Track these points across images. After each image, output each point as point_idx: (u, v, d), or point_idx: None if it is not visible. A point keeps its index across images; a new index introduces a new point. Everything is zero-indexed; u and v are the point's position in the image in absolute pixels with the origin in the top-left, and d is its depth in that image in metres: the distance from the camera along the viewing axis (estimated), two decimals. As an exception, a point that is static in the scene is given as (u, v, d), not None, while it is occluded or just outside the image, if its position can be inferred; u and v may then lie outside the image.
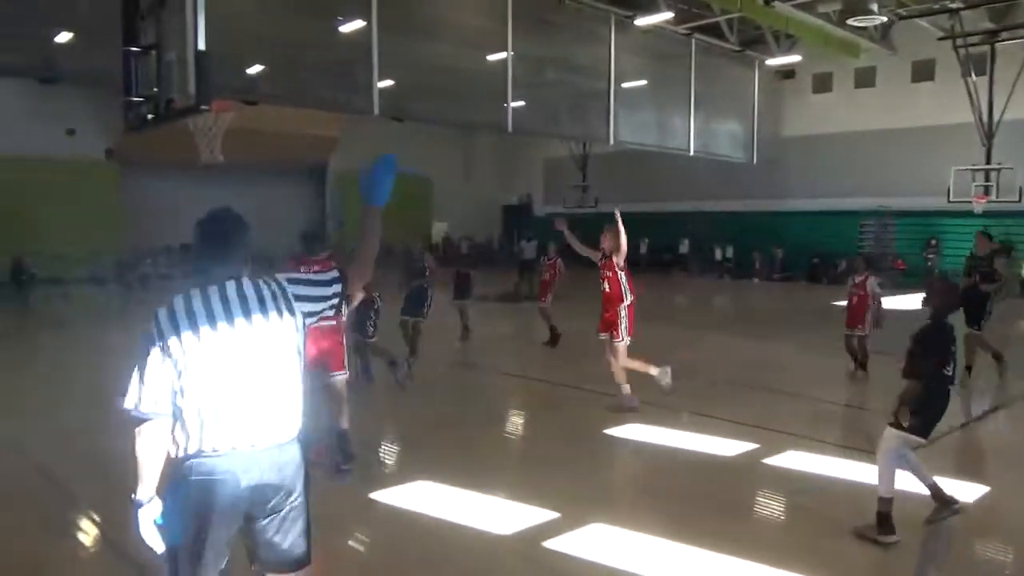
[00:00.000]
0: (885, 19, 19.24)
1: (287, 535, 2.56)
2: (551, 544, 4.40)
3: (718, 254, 27.77)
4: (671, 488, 5.61)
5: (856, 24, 18.70)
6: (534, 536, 4.52)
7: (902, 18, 22.40)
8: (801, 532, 4.73)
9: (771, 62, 24.10)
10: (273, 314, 2.52)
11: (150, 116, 9.09)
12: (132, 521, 2.51)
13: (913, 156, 23.49)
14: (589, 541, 4.45)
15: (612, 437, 6.76)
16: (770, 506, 5.29)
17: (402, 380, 7.98)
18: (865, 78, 24.86)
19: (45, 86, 22.93)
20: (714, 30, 22.41)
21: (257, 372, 2.47)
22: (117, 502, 3.64)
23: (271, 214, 30.87)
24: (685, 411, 7.77)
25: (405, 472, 5.94)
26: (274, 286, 2.57)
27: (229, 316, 2.45)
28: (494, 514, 4.87)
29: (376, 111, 15.22)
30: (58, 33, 12.45)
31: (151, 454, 2.47)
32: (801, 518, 5.00)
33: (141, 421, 2.46)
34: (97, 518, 4.82)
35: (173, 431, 2.46)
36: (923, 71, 23.53)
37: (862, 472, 5.69)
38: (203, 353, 2.41)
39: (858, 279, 9.31)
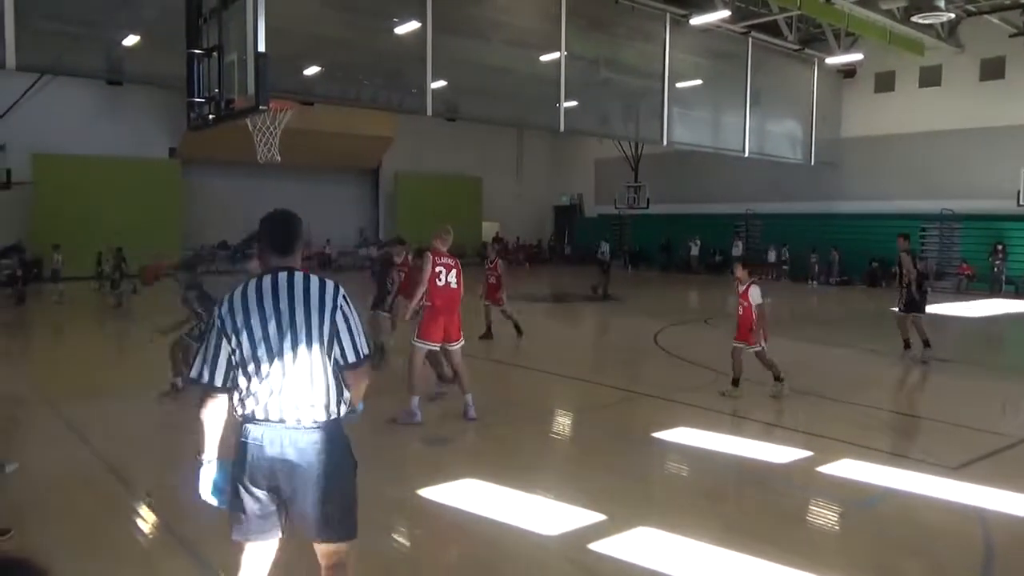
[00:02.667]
0: (952, 16, 18.61)
1: (312, 509, 2.77)
2: (597, 547, 4.37)
3: (771, 256, 27.16)
4: (722, 493, 5.52)
5: (921, 21, 18.12)
6: (580, 538, 4.49)
7: (970, 14, 21.66)
8: (860, 545, 4.59)
9: (831, 61, 23.55)
10: (312, 307, 2.78)
11: (211, 116, 9.34)
12: (195, 479, 2.82)
13: (980, 157, 22.64)
14: (637, 545, 4.40)
15: (660, 440, 6.68)
16: (826, 515, 5.15)
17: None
18: (930, 77, 24.05)
19: (113, 88, 23.83)
20: (772, 28, 22.01)
21: (288, 356, 2.74)
22: (175, 489, 3.76)
23: (326, 212, 31.55)
24: (735, 415, 7.64)
25: (452, 469, 5.98)
26: (323, 284, 2.84)
27: (275, 304, 2.76)
28: (540, 514, 4.86)
29: (429, 111, 15.37)
30: (126, 37, 12.89)
31: (211, 419, 2.81)
32: (860, 530, 4.85)
33: (204, 390, 2.80)
34: (154, 503, 4.97)
35: (231, 400, 2.80)
36: (992, 69, 22.64)
37: (920, 483, 5.51)
38: (249, 334, 2.74)
39: (741, 288, 8.30)
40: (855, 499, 5.31)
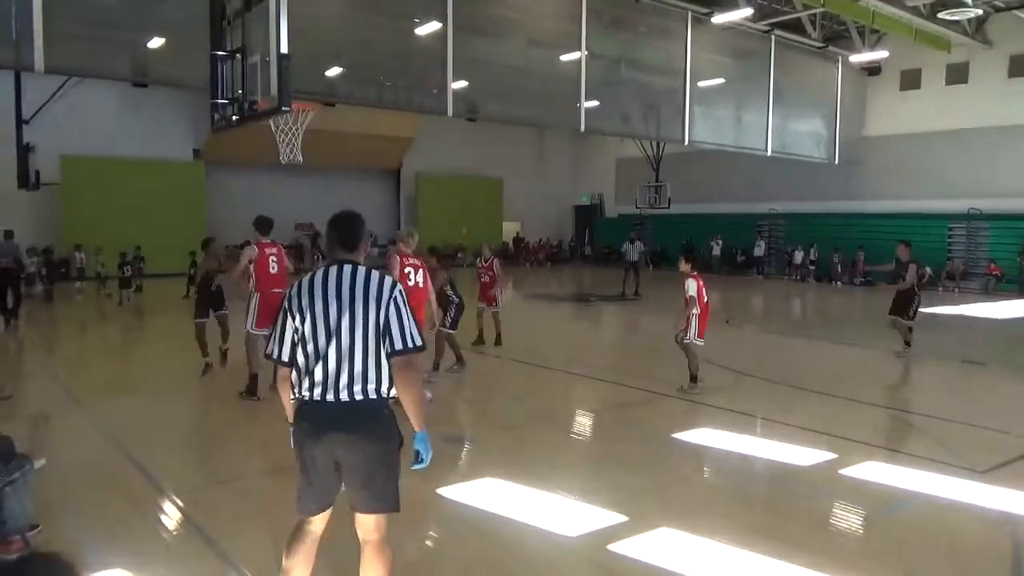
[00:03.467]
0: (980, 12, 18.32)
1: (359, 481, 3.07)
2: (618, 547, 4.35)
3: (798, 257, 26.88)
4: (743, 495, 5.47)
5: (948, 17, 17.86)
6: (600, 538, 4.48)
7: (998, 10, 21.31)
8: (885, 547, 4.53)
9: (855, 58, 23.28)
10: (371, 297, 3.08)
11: (235, 117, 9.44)
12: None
13: (1009, 156, 22.26)
14: (657, 546, 4.38)
15: (681, 441, 6.64)
16: (850, 518, 5.09)
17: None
18: (957, 74, 23.67)
19: (138, 90, 24.14)
20: (795, 26, 21.80)
21: (345, 338, 3.04)
22: (201, 488, 3.79)
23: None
24: (757, 416, 7.58)
25: (473, 469, 5.99)
26: (382, 278, 3.16)
27: (337, 291, 3.08)
28: (560, 514, 4.85)
29: (450, 112, 15.40)
30: (151, 39, 13.05)
31: (285, 391, 3.18)
32: (885, 534, 4.78)
33: (278, 365, 3.17)
34: (180, 502, 5.02)
35: (293, 376, 3.14)
36: (1021, 66, 22.23)
37: (947, 487, 5.43)
38: (312, 315, 3.06)
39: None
40: (880, 503, 5.24)
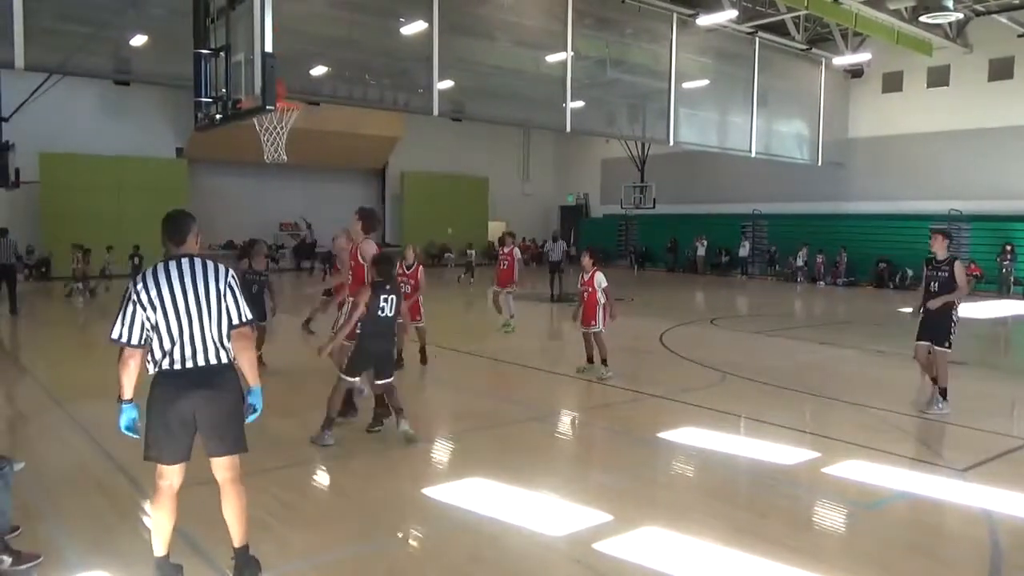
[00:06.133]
0: (960, 16, 18.51)
1: (218, 431, 3.70)
2: (602, 546, 4.36)
3: (800, 259, 26.67)
4: (727, 494, 5.51)
5: (929, 21, 18.03)
6: (586, 538, 4.49)
7: (979, 14, 21.57)
8: (867, 545, 4.57)
9: (838, 61, 23.49)
10: (207, 284, 3.67)
11: (218, 116, 9.37)
12: (117, 418, 3.63)
13: (989, 158, 22.53)
14: (642, 545, 4.39)
15: (666, 440, 6.67)
16: (832, 517, 5.13)
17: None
18: (938, 77, 23.93)
19: (120, 88, 23.91)
20: (779, 28, 21.97)
21: (190, 322, 3.62)
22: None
23: (332, 212, 31.52)
24: (741, 416, 7.63)
25: (457, 469, 5.98)
26: (216, 265, 3.75)
27: (179, 283, 3.62)
28: (545, 514, 4.85)
29: (436, 111, 15.39)
30: (133, 37, 12.94)
31: (126, 370, 3.62)
32: (867, 532, 4.83)
33: (126, 348, 3.61)
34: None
35: (147, 355, 3.66)
36: (1001, 69, 22.52)
37: (928, 485, 5.49)
38: (159, 308, 3.59)
39: (586, 276, 9.27)
40: (862, 501, 5.29)
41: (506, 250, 13.43)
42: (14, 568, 3.90)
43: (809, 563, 4.17)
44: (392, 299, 6.29)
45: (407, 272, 9.69)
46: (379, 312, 6.22)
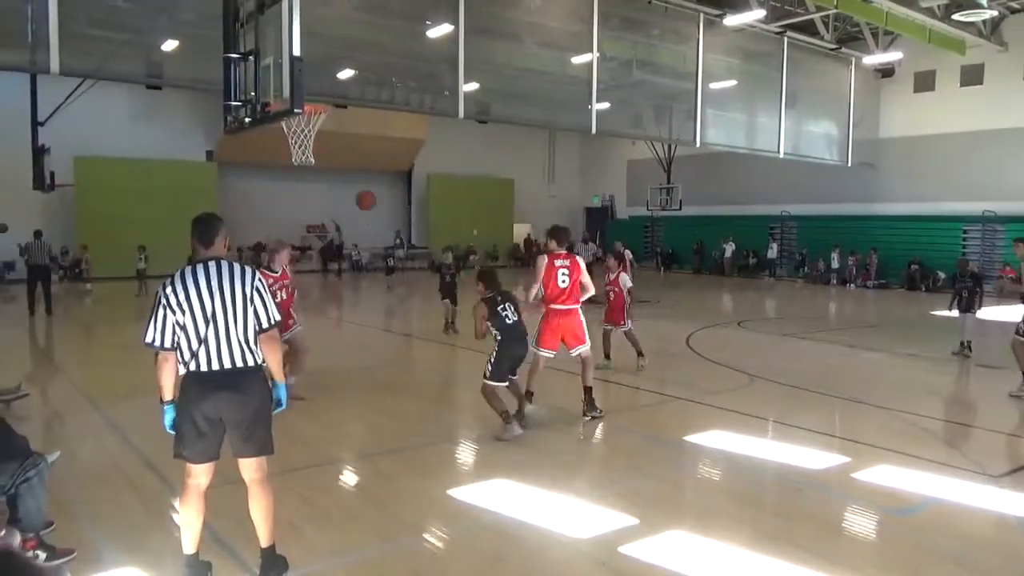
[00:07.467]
0: (995, 13, 18.18)
1: (244, 432, 3.72)
2: (628, 550, 4.34)
3: (835, 260, 26.29)
4: (755, 498, 5.44)
5: (963, 19, 17.72)
6: (611, 541, 4.46)
7: (1014, 12, 21.15)
8: (898, 552, 4.49)
9: (869, 60, 23.15)
10: (233, 288, 3.72)
11: (247, 119, 9.46)
12: (160, 418, 3.77)
13: (1024, 158, 22.06)
14: (668, 548, 4.36)
15: (693, 443, 6.62)
16: (863, 523, 5.04)
17: None
18: (972, 76, 23.48)
19: (151, 92, 24.30)
20: (808, 28, 21.69)
21: (216, 325, 3.66)
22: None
23: (359, 214, 31.82)
24: (769, 419, 7.54)
25: (482, 470, 5.98)
26: (243, 269, 3.81)
27: (207, 287, 3.67)
28: (571, 516, 4.84)
29: (461, 113, 15.42)
30: (165, 42, 13.14)
31: (164, 373, 3.73)
32: (899, 539, 4.74)
33: (160, 352, 3.71)
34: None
35: (178, 357, 3.72)
36: (1037, 67, 22.05)
37: (962, 492, 5.38)
38: (187, 311, 3.65)
39: (611, 276, 9.85)
40: (894, 507, 5.20)
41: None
42: (48, 563, 3.98)
43: (838, 570, 4.10)
44: (509, 305, 6.74)
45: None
46: (507, 321, 6.65)
